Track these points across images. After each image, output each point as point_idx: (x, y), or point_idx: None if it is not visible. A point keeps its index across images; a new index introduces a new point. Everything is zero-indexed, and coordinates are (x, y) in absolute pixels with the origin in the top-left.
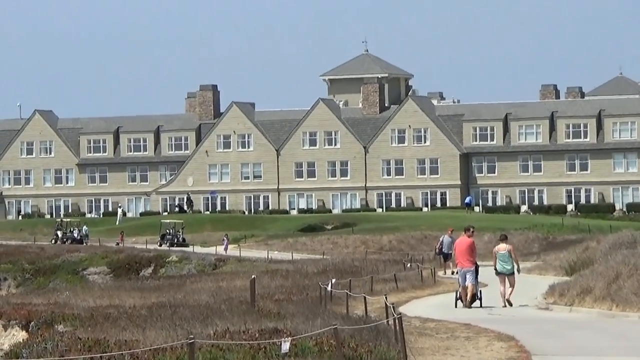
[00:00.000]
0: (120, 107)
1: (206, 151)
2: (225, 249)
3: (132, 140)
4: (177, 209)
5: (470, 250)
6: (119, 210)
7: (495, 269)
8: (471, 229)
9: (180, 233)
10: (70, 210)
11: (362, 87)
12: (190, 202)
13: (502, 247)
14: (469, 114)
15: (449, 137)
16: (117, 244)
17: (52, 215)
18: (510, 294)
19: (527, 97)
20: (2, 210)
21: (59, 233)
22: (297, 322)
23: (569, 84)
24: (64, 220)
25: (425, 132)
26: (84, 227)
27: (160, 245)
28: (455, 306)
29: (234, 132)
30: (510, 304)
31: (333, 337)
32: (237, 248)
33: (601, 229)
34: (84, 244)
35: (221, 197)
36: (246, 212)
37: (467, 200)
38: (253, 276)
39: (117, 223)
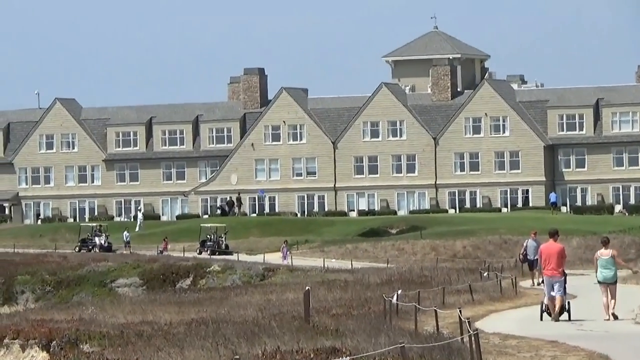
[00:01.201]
0: (153, 94)
1: (252, 144)
2: (285, 257)
3: (167, 133)
4: (219, 211)
5: (559, 257)
6: (139, 214)
7: (597, 277)
8: (557, 233)
9: (223, 239)
10: (96, 213)
11: (431, 69)
12: (239, 203)
13: (605, 253)
14: (554, 100)
15: (532, 126)
16: (160, 252)
17: (75, 219)
18: (614, 307)
19: (621, 80)
20: (19, 214)
21: (99, 240)
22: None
23: None
24: (98, 225)
25: (504, 120)
26: (125, 233)
27: (200, 253)
28: (541, 319)
29: (284, 122)
30: (616, 317)
31: (400, 356)
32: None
33: None
34: (113, 252)
35: (270, 197)
36: (298, 215)
37: (552, 199)
38: (307, 288)
39: (136, 229)
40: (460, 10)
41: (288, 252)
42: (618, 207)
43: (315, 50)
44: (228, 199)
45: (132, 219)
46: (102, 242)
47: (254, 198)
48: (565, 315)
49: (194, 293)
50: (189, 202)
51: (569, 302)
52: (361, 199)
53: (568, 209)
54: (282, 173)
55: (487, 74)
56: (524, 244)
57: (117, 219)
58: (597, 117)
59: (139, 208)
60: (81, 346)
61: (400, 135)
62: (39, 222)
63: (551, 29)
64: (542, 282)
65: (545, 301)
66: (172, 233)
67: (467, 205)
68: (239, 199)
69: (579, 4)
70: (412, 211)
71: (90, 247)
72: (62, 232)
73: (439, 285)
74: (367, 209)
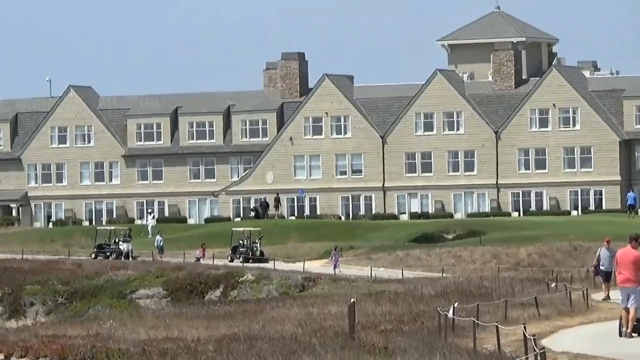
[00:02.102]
0: (179, 82)
1: (290, 138)
2: (336, 265)
3: (194, 125)
4: (252, 213)
5: (636, 265)
6: (149, 217)
7: None
8: (638, 239)
9: (258, 244)
10: (114, 215)
11: (493, 54)
12: (276, 204)
13: None
14: (631, 89)
15: (606, 118)
16: (198, 259)
17: (91, 222)
18: None
19: None
20: (28, 216)
21: (125, 246)
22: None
23: None
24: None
25: (574, 112)
26: (158, 237)
27: (232, 260)
28: (620, 335)
29: (327, 113)
30: None
31: None
32: (329, 264)
33: None
34: (133, 258)
35: (310, 198)
36: (342, 217)
37: (629, 200)
38: (352, 300)
39: (148, 235)
40: None
41: (339, 259)
42: None
43: (362, 32)
44: (262, 200)
45: (155, 222)
46: (129, 249)
47: (293, 199)
48: None
49: (224, 306)
50: (219, 203)
51: None
52: (413, 200)
53: None
54: (324, 171)
55: (555, 59)
56: (597, 253)
57: (137, 221)
58: None
59: (149, 211)
60: None
61: (457, 129)
62: (50, 225)
63: (628, 9)
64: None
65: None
66: (200, 238)
67: (533, 207)
68: (277, 200)
69: None
70: (471, 214)
71: (108, 253)
72: (76, 236)
73: (500, 298)
74: (419, 212)
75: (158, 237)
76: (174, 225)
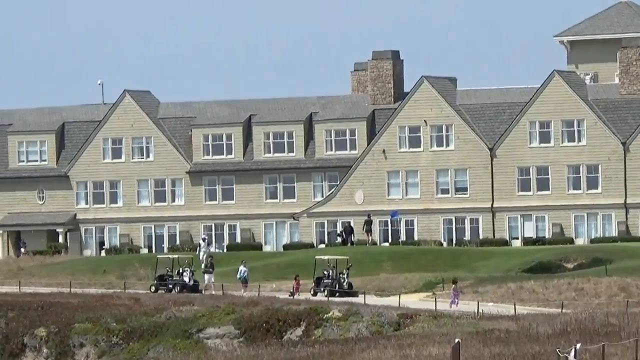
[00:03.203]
0: (253, 85)
1: (383, 151)
2: (454, 302)
3: (270, 136)
4: (339, 238)
5: None
6: (203, 244)
7: None
8: None
9: (346, 275)
10: (177, 242)
11: (620, 52)
12: (368, 228)
13: None
14: None
15: None
16: (292, 293)
17: (150, 249)
18: None
19: None
20: (76, 242)
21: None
22: None
23: None
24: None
25: None
26: (241, 267)
27: (315, 294)
28: None
29: (425, 122)
30: None
31: None
32: (429, 297)
33: None
34: (199, 292)
35: (406, 221)
36: (444, 244)
37: None
38: (457, 340)
39: (201, 264)
40: None
41: (458, 294)
42: None
43: (466, 27)
44: (347, 224)
45: (224, 249)
46: (187, 280)
47: (386, 222)
48: None
49: (306, 347)
50: (299, 227)
51: None
52: (527, 224)
53: None
54: (423, 189)
55: None
56: None
57: (208, 249)
58: None
59: (203, 237)
60: None
61: (579, 140)
62: (103, 253)
63: None
64: None
65: None
66: (278, 268)
67: None
68: (368, 223)
69: None
70: (595, 239)
71: (170, 285)
72: (133, 266)
73: (630, 337)
74: (534, 237)
75: (242, 268)
76: (247, 253)
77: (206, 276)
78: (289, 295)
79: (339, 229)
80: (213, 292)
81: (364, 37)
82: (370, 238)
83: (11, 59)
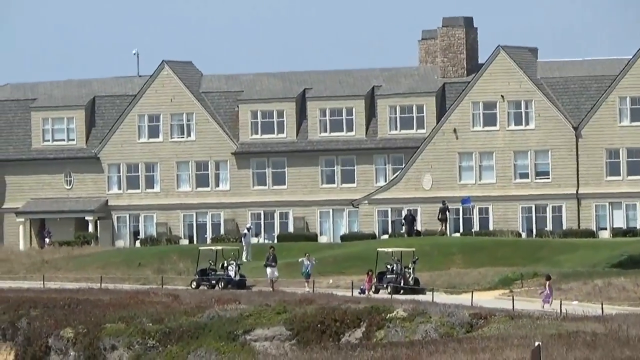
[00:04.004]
0: (308, 56)
1: (454, 130)
2: (547, 300)
3: (327, 113)
4: (404, 228)
5: None
6: (247, 233)
7: None
8: None
9: (411, 270)
10: (222, 231)
11: None
12: (442, 217)
13: None
14: None
15: None
16: (362, 291)
17: (191, 240)
18: None
19: None
20: (108, 232)
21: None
22: None
23: None
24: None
25: None
26: (305, 261)
27: (377, 290)
28: None
29: (502, 97)
30: None
31: None
32: (506, 295)
33: None
34: (247, 288)
35: (480, 209)
36: (523, 235)
37: None
38: (537, 344)
39: (244, 257)
40: None
41: (550, 291)
42: None
43: None
44: (408, 212)
45: (275, 239)
46: (232, 274)
47: (457, 210)
48: None
49: (367, 350)
50: (359, 215)
51: None
52: (616, 212)
53: None
54: (499, 173)
55: None
56: None
57: (253, 239)
58: None
59: (248, 227)
60: None
61: None
62: (138, 244)
63: None
64: None
65: None
66: (335, 261)
67: None
68: (443, 211)
69: None
70: None
71: (214, 281)
72: (172, 259)
73: None
74: (624, 227)
75: (305, 261)
76: (301, 244)
77: (268, 270)
78: (360, 293)
79: (404, 216)
80: (272, 289)
81: (433, 1)
82: (445, 228)
83: (35, 25)
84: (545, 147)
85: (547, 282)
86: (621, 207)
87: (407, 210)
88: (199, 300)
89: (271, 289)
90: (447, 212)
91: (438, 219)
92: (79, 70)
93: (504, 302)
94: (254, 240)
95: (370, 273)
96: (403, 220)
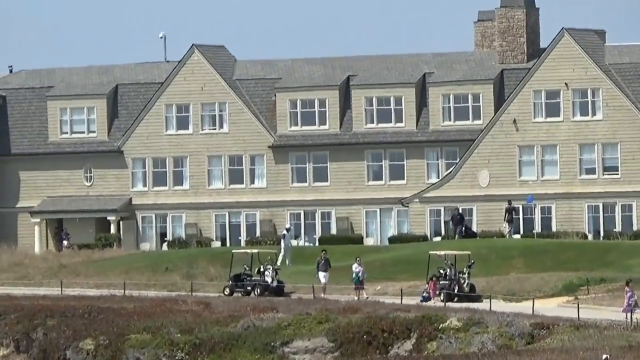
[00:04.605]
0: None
1: (514, 121)
2: (630, 308)
3: (373, 102)
4: (458, 228)
5: None
6: (287, 235)
7: None
8: None
9: (466, 275)
10: (257, 233)
11: None
12: (509, 217)
13: None
14: None
15: None
16: (425, 298)
17: (224, 243)
18: None
19: None
20: (132, 233)
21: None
22: None
23: None
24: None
25: None
26: (356, 264)
27: (429, 299)
28: None
29: (567, 85)
30: None
31: None
32: (570, 303)
33: None
34: (286, 295)
35: (542, 208)
36: (589, 236)
37: None
38: (605, 357)
39: (281, 261)
40: None
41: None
42: None
43: None
44: (455, 211)
45: (316, 242)
46: (269, 280)
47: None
48: None
49: None
50: (409, 215)
51: None
52: None
53: None
54: (563, 168)
55: None
56: None
57: (293, 241)
58: None
59: (287, 228)
60: None
61: None
62: (165, 246)
63: None
64: None
65: None
66: (382, 266)
67: None
68: (509, 211)
69: None
70: None
71: (249, 287)
72: (203, 263)
73: None
74: None
75: (356, 267)
76: (344, 247)
77: (321, 275)
78: (422, 301)
79: (457, 215)
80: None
81: None
82: (510, 230)
83: (52, 6)
84: (614, 140)
85: (626, 288)
86: None
87: (455, 208)
88: (233, 308)
89: (322, 295)
90: (514, 213)
91: (505, 220)
92: (100, 56)
93: (568, 311)
94: (293, 242)
95: (434, 279)
96: (451, 221)
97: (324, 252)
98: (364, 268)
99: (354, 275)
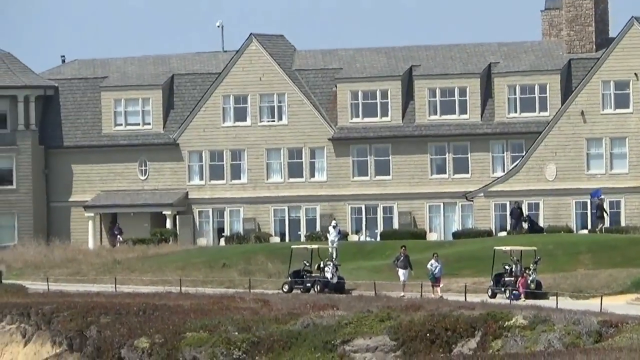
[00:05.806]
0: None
1: (582, 112)
2: None
3: (437, 93)
4: (526, 224)
5: None
6: (333, 232)
7: None
8: None
9: (533, 271)
10: (318, 228)
11: None
12: (600, 213)
13: None
14: None
15: None
16: (515, 296)
17: (283, 238)
18: None
19: None
20: (189, 229)
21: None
22: None
23: None
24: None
25: None
26: (433, 260)
27: (494, 295)
28: None
29: (636, 75)
30: None
31: None
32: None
33: None
34: (347, 292)
35: (611, 203)
36: None
37: None
38: None
39: (332, 256)
40: None
41: None
42: None
43: None
44: (514, 205)
45: (378, 237)
46: (329, 276)
47: (584, 203)
48: None
49: None
50: (474, 209)
51: None
52: None
53: None
54: (632, 161)
55: None
56: None
57: (353, 236)
58: None
59: (333, 224)
60: None
61: None
62: (222, 242)
63: None
64: None
65: None
66: (446, 262)
67: None
68: (600, 207)
69: None
70: None
71: (308, 284)
72: (261, 259)
73: None
74: None
75: (433, 264)
76: (407, 242)
77: (400, 272)
78: (512, 299)
79: (526, 211)
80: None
81: None
82: (601, 226)
83: None
84: None
85: None
86: None
87: (514, 202)
88: (292, 305)
89: (402, 294)
90: (603, 209)
91: (596, 217)
92: (156, 45)
93: (637, 308)
94: (354, 238)
95: (525, 274)
96: (510, 215)
97: (403, 247)
98: (441, 264)
99: (430, 271)
